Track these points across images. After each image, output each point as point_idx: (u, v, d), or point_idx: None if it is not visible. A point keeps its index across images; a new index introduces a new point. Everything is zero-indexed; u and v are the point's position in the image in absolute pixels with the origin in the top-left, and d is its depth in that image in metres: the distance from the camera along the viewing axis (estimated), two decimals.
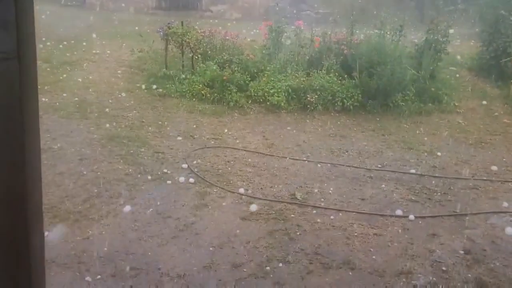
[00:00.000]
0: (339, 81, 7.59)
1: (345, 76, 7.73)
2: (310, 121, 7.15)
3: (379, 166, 5.67)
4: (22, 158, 1.11)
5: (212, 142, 6.21)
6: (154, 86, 7.85)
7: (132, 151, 5.61)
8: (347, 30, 8.61)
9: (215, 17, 15.28)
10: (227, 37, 8.79)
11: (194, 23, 9.47)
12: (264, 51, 8.59)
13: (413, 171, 5.52)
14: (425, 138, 6.66)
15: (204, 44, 8.53)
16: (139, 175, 5.04)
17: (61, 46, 10.17)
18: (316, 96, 7.33)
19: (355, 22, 8.71)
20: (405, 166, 5.69)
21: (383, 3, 14.97)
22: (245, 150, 5.99)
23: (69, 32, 11.35)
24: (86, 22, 12.91)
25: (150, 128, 6.48)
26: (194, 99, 7.57)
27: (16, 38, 1.16)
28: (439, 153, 6.09)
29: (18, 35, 1.17)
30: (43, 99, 6.79)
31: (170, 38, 8.33)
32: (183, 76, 7.93)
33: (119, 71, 8.69)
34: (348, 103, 7.35)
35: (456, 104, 7.82)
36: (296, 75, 7.74)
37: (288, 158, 5.77)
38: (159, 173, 5.12)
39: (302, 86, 7.49)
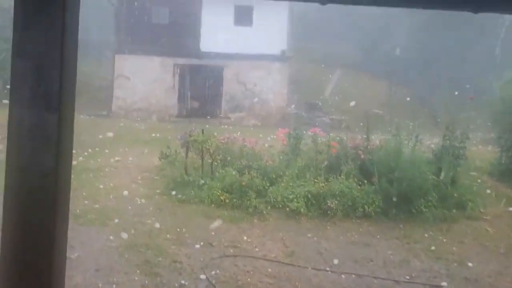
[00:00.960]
0: (359, 187, 7.55)
1: (364, 181, 7.71)
2: (331, 228, 6.98)
3: (408, 277, 5.37)
4: None
5: (231, 250, 6.03)
6: (174, 192, 7.89)
7: (149, 260, 5.46)
8: (363, 136, 8.79)
9: (234, 124, 15.88)
10: (245, 144, 9.02)
11: (213, 130, 9.84)
12: (282, 157, 8.73)
13: (444, 283, 5.19)
14: (453, 247, 6.38)
15: (223, 151, 8.74)
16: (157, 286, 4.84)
17: (86, 153, 10.54)
18: (336, 202, 7.25)
19: (369, 128, 8.92)
20: (436, 278, 5.38)
21: (396, 109, 15.48)
22: (265, 259, 5.78)
23: (94, 140, 11.85)
24: (111, 131, 13.52)
25: (168, 235, 6.38)
26: (212, 205, 7.54)
27: (56, 155, 1.29)
28: (470, 264, 5.78)
29: (58, 152, 1.29)
30: None
31: (190, 145, 8.59)
32: (202, 182, 8.01)
33: (139, 177, 8.84)
34: (369, 209, 7.22)
35: (482, 210, 7.61)
36: (315, 180, 7.75)
37: (310, 268, 5.53)
38: (176, 284, 4.92)
39: (321, 191, 7.46)
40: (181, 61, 17.16)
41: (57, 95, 1.26)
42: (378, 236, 6.74)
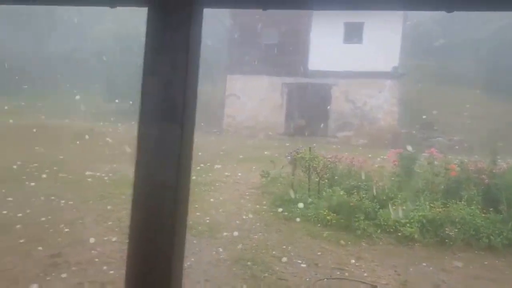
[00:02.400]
0: (483, 215, 6.81)
1: (489, 209, 6.94)
2: (449, 258, 6.37)
3: None
4: None
5: (338, 273, 5.80)
6: (280, 209, 7.91)
7: (255, 275, 5.47)
8: (486, 159, 7.97)
9: (341, 143, 15.57)
10: (353, 163, 8.74)
11: (320, 148, 9.72)
12: (393, 178, 8.28)
13: None
14: None
15: (331, 169, 8.56)
16: None
17: (198, 168, 11.12)
18: (456, 230, 6.61)
19: (495, 150, 8.07)
20: None
21: None
22: (374, 286, 5.45)
23: (206, 156, 12.46)
24: (221, 147, 14.14)
25: (274, 252, 6.35)
26: (319, 224, 7.38)
27: (177, 168, 1.35)
28: None
29: (179, 166, 1.35)
30: None
31: (297, 162, 8.56)
32: (309, 200, 7.90)
33: (247, 193, 9.04)
34: (496, 240, 6.46)
35: None
36: (431, 205, 7.18)
37: None
38: None
39: (438, 217, 6.87)
40: (289, 80, 17.40)
41: (180, 111, 1.33)
42: (507, 272, 5.97)
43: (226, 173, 10.58)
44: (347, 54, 16.07)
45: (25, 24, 24.59)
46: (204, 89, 23.09)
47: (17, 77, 20.61)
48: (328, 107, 17.21)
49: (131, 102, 20.37)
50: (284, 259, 6.12)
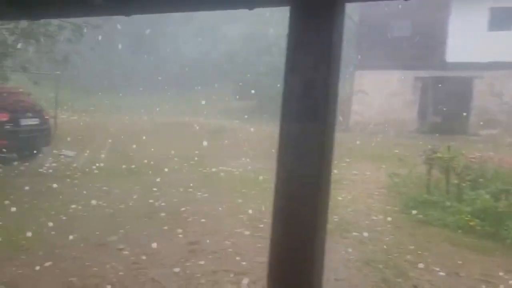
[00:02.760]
0: None
1: None
2: None
3: None
4: None
5: (483, 286, 5.21)
6: (414, 212, 7.42)
7: (387, 279, 5.19)
8: None
9: (484, 142, 14.06)
10: (502, 164, 7.80)
11: (459, 147, 8.89)
12: None
13: None
14: None
15: (473, 171, 7.76)
16: None
17: None
18: None
19: None
20: None
21: None
22: None
23: (335, 153, 12.24)
24: (348, 145, 13.82)
25: (407, 257, 5.97)
26: (459, 231, 6.74)
27: (319, 165, 1.30)
28: None
29: (321, 162, 1.32)
30: None
31: (433, 162, 7.94)
32: (448, 203, 7.27)
33: (376, 193, 8.68)
34: None
35: None
36: None
37: None
38: None
39: None
40: (423, 74, 16.28)
41: (322, 107, 1.32)
42: None
43: (354, 171, 10.30)
44: (493, 43, 14.39)
45: (165, 29, 26.99)
46: None
47: (159, 78, 22.81)
48: (469, 102, 15.66)
49: (259, 101, 21.13)
50: (421, 265, 5.71)
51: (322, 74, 1.31)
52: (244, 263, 5.43)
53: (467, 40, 14.77)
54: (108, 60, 24.08)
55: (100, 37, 11.53)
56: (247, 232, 6.41)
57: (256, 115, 19.22)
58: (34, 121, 10.84)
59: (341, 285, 5.01)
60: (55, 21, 9.52)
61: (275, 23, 21.29)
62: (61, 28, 9.73)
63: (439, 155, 7.80)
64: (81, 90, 20.94)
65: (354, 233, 6.60)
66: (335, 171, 10.27)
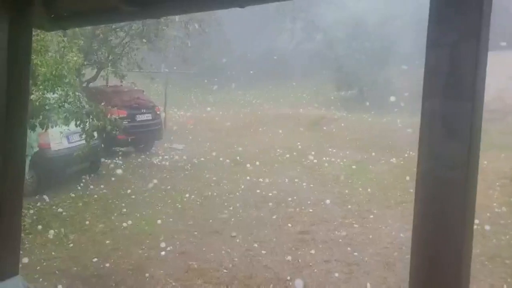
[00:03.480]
0: None
1: None
2: None
3: None
4: None
5: None
6: None
7: None
8: None
9: None
10: None
11: None
12: None
13: None
14: None
15: None
16: None
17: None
18: None
19: None
20: None
21: None
22: None
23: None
24: None
25: None
26: None
27: (468, 147, 1.22)
28: None
29: (470, 144, 1.22)
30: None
31: None
32: None
33: (497, 183, 7.96)
34: None
35: None
36: None
37: None
38: None
39: None
40: None
41: (471, 84, 1.21)
42: None
43: None
44: None
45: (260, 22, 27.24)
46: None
47: (251, 72, 23.16)
48: None
49: (359, 90, 20.53)
50: None
51: (471, 48, 1.20)
52: (355, 253, 5.34)
53: None
54: (201, 55, 24.88)
55: (207, 30, 12.00)
56: (356, 225, 6.28)
57: (357, 105, 18.70)
58: (148, 117, 11.71)
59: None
60: (162, 20, 10.16)
61: (372, 9, 20.49)
62: (169, 26, 10.34)
63: None
64: (181, 86, 22.11)
65: (475, 226, 6.11)
66: None
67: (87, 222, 6.54)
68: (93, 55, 10.20)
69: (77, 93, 6.90)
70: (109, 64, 10.30)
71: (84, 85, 10.59)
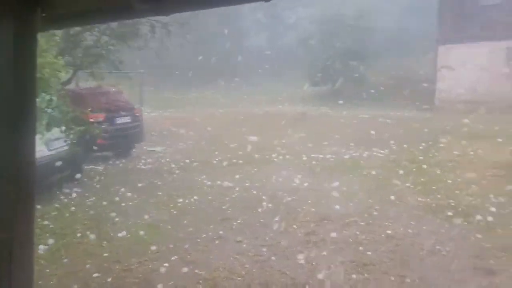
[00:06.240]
0: None
1: None
2: None
3: None
4: None
5: None
6: None
7: None
8: None
9: None
10: None
11: None
12: None
13: None
14: None
15: None
16: None
17: (420, 147, 10.48)
18: None
19: None
20: None
21: None
22: None
23: (424, 134, 11.67)
24: (436, 124, 13.08)
25: None
26: None
27: None
28: None
29: None
30: (419, 199, 6.91)
31: None
32: None
33: (490, 174, 8.09)
34: None
35: None
36: None
37: None
38: None
39: None
40: None
41: None
42: None
43: (455, 152, 9.67)
44: None
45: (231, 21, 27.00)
46: (410, 64, 21.79)
47: (228, 71, 22.89)
48: None
49: (333, 86, 20.63)
50: None
51: None
52: (369, 253, 5.22)
53: None
54: (176, 56, 24.49)
55: (188, 36, 11.67)
56: (362, 222, 6.17)
57: (331, 101, 18.78)
58: (127, 119, 11.25)
59: (481, 273, 4.64)
60: (143, 21, 9.77)
61: (346, 6, 20.61)
62: (151, 28, 9.96)
63: None
64: (158, 86, 21.57)
65: (478, 217, 6.13)
66: (435, 153, 9.74)
67: (79, 234, 6.13)
68: (68, 56, 9.65)
69: (57, 98, 6.48)
70: (86, 66, 9.79)
71: (59, 87, 10.03)
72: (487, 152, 9.56)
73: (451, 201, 6.85)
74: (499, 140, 10.28)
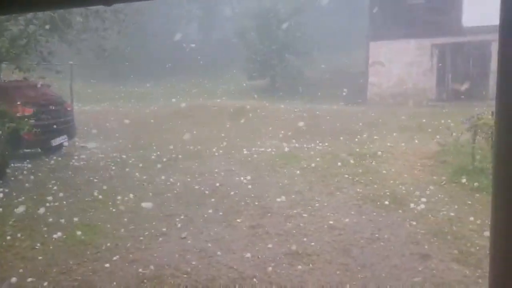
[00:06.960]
0: None
1: None
2: None
3: None
4: None
5: None
6: (463, 180, 7.31)
7: (463, 250, 5.11)
8: None
9: None
10: None
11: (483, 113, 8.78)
12: None
13: None
14: None
15: None
16: (480, 280, 4.47)
17: (356, 139, 10.89)
18: None
19: None
20: None
21: None
22: None
23: (357, 127, 12.13)
24: (370, 117, 13.65)
25: (471, 226, 5.88)
26: None
27: None
28: None
29: None
30: (358, 189, 7.17)
31: (479, 129, 7.80)
32: None
33: (419, 164, 8.56)
34: None
35: None
36: None
37: None
38: None
39: None
40: (439, 40, 16.00)
41: None
42: None
43: (388, 144, 10.16)
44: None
45: (165, 13, 26.42)
46: (345, 59, 22.54)
47: (163, 64, 22.39)
48: (488, 67, 15.44)
49: (271, 80, 20.84)
50: (487, 233, 5.62)
51: None
52: (312, 243, 5.34)
53: (484, 2, 14.45)
54: (111, 48, 23.63)
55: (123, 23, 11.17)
56: (305, 214, 6.30)
57: (269, 95, 18.99)
58: (57, 114, 10.62)
59: (416, 259, 4.92)
60: (76, 10, 9.23)
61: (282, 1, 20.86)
62: (83, 17, 9.42)
63: (484, 121, 7.64)
64: (89, 79, 20.59)
65: (411, 205, 6.49)
66: (370, 145, 10.14)
67: (8, 237, 5.70)
68: None
69: None
70: (12, 57, 9.08)
71: None
72: (416, 143, 10.14)
73: (387, 190, 7.18)
74: (429, 131, 10.98)
